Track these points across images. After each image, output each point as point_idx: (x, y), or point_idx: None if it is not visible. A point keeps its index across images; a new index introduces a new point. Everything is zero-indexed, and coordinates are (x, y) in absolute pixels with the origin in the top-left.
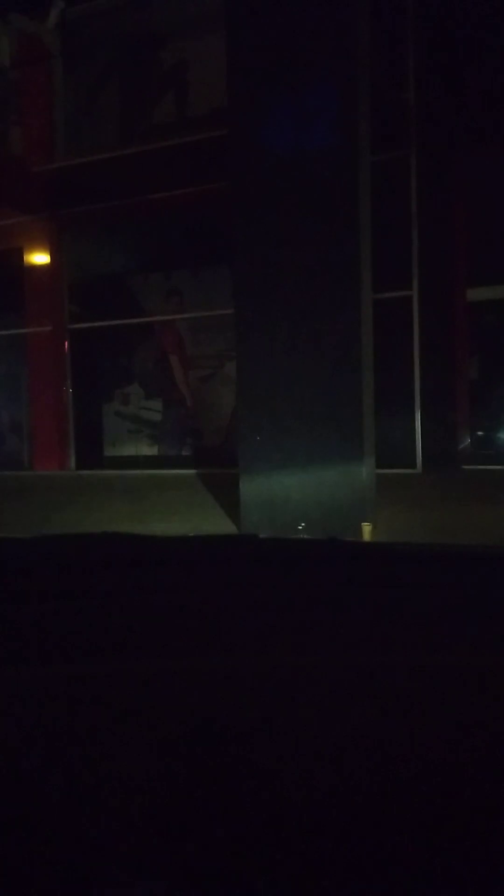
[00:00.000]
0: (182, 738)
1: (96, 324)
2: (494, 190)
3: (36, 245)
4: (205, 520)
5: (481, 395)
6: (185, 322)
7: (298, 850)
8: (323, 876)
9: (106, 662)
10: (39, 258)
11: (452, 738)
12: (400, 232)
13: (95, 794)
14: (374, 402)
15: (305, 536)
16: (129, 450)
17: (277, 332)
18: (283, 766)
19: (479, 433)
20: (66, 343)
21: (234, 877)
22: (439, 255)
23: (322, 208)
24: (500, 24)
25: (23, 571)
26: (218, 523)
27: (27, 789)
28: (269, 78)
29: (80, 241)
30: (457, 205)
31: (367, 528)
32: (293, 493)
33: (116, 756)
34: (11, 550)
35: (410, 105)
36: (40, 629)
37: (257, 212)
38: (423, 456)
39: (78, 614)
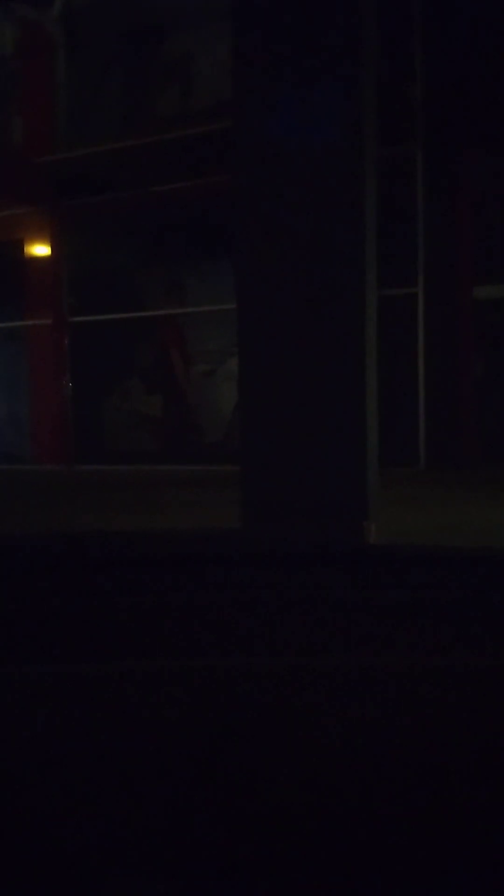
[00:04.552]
0: (183, 740)
1: (97, 317)
2: (502, 187)
3: (36, 237)
4: (206, 516)
5: (487, 393)
6: (187, 317)
7: (299, 851)
8: (323, 876)
9: (106, 662)
10: (40, 250)
11: (456, 742)
12: (406, 228)
13: (96, 795)
14: (378, 399)
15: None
16: (129, 445)
17: (280, 327)
18: (285, 767)
19: (485, 431)
20: (67, 336)
21: (235, 877)
22: (445, 252)
23: (327, 204)
24: None
25: (23, 570)
26: (219, 520)
27: (27, 789)
28: (275, 71)
29: (81, 233)
30: (463, 201)
31: (370, 528)
32: (295, 490)
33: (116, 756)
34: (11, 549)
35: (417, 100)
36: (41, 628)
37: (261, 206)
38: (426, 453)
39: (77, 614)
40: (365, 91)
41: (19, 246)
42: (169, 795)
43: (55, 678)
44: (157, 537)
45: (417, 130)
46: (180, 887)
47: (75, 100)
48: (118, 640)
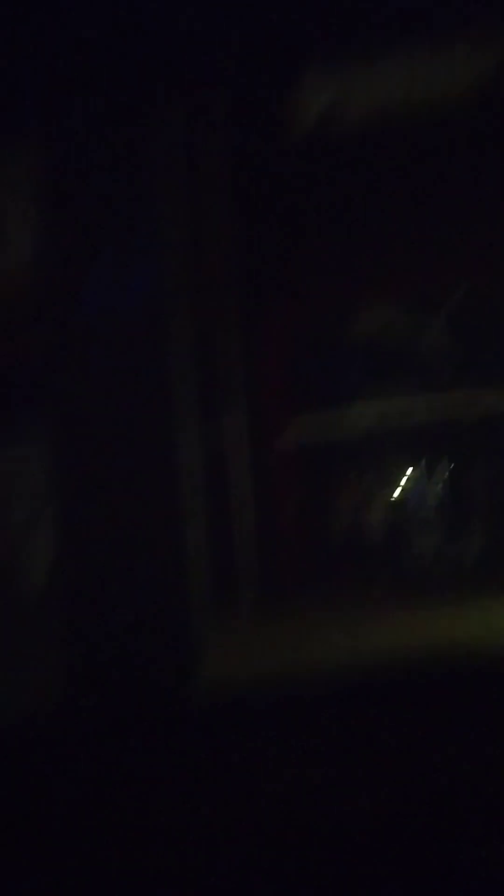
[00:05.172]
0: None
1: None
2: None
3: None
4: (22, 695)
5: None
6: None
7: None
8: None
9: None
10: None
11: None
12: None
13: None
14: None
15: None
16: None
17: (97, 491)
18: None
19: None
20: None
21: None
22: None
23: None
24: None
25: None
26: (39, 695)
27: None
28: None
29: None
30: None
31: (196, 684)
32: (117, 658)
33: None
34: None
35: None
36: None
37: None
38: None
39: None
40: (167, 277)
41: None
42: None
43: None
44: None
45: None
46: None
47: None
48: None
